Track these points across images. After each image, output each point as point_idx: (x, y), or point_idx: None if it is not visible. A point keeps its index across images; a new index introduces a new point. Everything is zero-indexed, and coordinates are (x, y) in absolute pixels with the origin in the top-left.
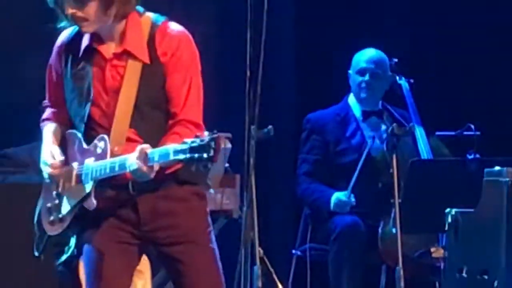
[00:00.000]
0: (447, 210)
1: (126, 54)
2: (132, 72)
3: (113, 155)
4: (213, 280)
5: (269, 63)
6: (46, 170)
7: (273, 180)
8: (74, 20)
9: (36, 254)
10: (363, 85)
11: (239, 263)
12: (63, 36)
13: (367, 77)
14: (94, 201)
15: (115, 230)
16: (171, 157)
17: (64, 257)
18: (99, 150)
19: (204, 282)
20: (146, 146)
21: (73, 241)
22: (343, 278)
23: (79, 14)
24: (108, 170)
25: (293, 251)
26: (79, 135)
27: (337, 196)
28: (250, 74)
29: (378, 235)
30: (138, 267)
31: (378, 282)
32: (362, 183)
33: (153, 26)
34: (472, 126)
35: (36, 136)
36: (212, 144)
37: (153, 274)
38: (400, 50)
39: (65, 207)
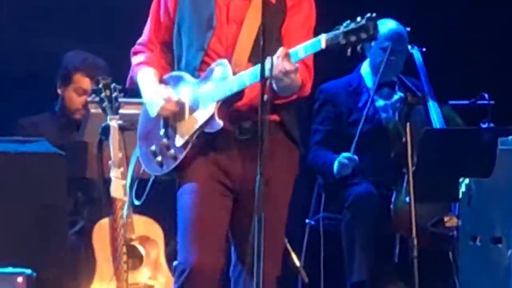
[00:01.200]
0: (461, 179)
1: None
2: (256, 8)
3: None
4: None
5: None
6: (162, 107)
7: None
8: None
9: (137, 202)
10: (389, 63)
11: (252, 232)
12: None
13: (392, 57)
14: (220, 121)
15: (214, 182)
16: (323, 45)
17: (78, 227)
18: (217, 74)
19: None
20: (285, 48)
21: (85, 213)
22: (356, 247)
23: None
24: (235, 86)
25: (307, 221)
26: (183, 74)
27: (337, 159)
28: (263, 43)
29: (390, 205)
30: (151, 237)
31: (392, 251)
32: (375, 153)
33: None
34: (486, 95)
35: (41, 108)
36: (370, 23)
37: (166, 243)
38: (412, 18)
39: (179, 141)
